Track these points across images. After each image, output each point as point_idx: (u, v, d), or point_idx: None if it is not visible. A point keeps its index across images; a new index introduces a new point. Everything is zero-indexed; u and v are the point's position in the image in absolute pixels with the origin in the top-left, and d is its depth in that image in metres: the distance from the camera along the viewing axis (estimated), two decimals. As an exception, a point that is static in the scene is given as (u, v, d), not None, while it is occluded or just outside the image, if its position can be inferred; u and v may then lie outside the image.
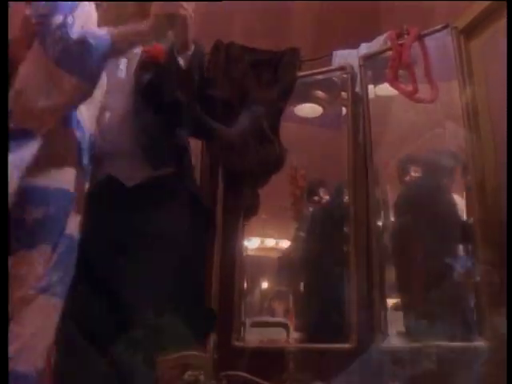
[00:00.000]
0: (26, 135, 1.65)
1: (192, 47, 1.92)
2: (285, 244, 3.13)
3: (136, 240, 1.85)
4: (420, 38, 2.47)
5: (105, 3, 2.21)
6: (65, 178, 1.72)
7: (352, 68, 2.75)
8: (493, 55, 2.20)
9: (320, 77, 2.90)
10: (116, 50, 1.83)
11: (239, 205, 2.60)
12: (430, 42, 2.47)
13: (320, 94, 2.97)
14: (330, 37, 2.73)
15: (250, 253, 2.92)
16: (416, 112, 2.42)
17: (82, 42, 1.74)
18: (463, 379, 2.14)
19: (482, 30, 2.31)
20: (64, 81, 1.71)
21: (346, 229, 2.59)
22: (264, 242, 3.00)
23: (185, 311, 1.91)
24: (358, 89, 2.73)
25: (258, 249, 3.02)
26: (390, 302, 2.48)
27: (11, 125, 1.61)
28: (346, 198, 2.63)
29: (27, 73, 1.75)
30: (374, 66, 2.70)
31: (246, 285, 2.75)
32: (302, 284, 2.81)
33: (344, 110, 2.81)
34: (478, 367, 2.13)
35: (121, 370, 1.85)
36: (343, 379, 2.15)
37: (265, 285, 3.06)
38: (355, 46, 2.75)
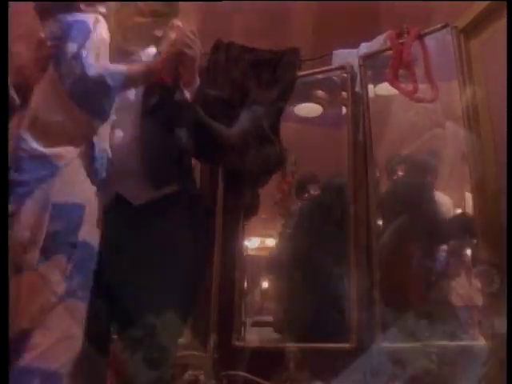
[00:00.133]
0: (46, 161, 1.73)
1: (198, 82, 1.98)
2: (285, 243, 3.13)
3: (142, 254, 1.92)
4: (420, 37, 2.47)
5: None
6: (79, 192, 1.79)
7: (352, 67, 2.75)
8: (493, 55, 2.20)
9: (320, 76, 2.90)
10: (128, 86, 1.92)
11: (239, 205, 2.60)
12: (430, 41, 2.47)
13: (320, 93, 2.97)
14: (330, 37, 2.73)
15: (250, 252, 2.92)
16: (416, 111, 2.42)
17: (100, 82, 1.81)
18: (463, 379, 2.14)
19: (482, 29, 2.31)
20: (77, 113, 1.79)
21: (345, 227, 2.60)
22: (264, 241, 3.00)
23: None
24: (358, 88, 2.73)
25: (258, 248, 3.02)
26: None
27: (33, 149, 1.71)
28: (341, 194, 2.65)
29: (43, 97, 1.81)
30: (374, 66, 2.70)
31: (246, 284, 2.76)
32: (301, 284, 2.81)
33: (344, 109, 2.81)
34: (478, 367, 2.14)
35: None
36: (343, 379, 2.15)
37: (265, 284, 3.06)
38: (355, 45, 2.75)
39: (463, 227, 2.40)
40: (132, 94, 2.08)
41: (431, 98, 2.38)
